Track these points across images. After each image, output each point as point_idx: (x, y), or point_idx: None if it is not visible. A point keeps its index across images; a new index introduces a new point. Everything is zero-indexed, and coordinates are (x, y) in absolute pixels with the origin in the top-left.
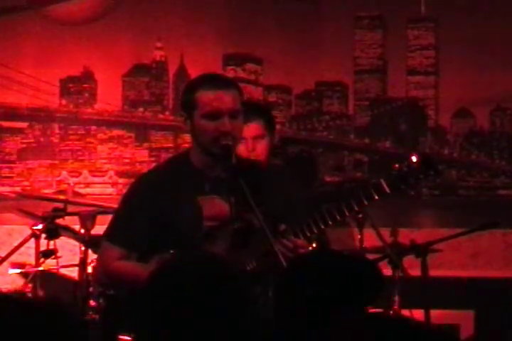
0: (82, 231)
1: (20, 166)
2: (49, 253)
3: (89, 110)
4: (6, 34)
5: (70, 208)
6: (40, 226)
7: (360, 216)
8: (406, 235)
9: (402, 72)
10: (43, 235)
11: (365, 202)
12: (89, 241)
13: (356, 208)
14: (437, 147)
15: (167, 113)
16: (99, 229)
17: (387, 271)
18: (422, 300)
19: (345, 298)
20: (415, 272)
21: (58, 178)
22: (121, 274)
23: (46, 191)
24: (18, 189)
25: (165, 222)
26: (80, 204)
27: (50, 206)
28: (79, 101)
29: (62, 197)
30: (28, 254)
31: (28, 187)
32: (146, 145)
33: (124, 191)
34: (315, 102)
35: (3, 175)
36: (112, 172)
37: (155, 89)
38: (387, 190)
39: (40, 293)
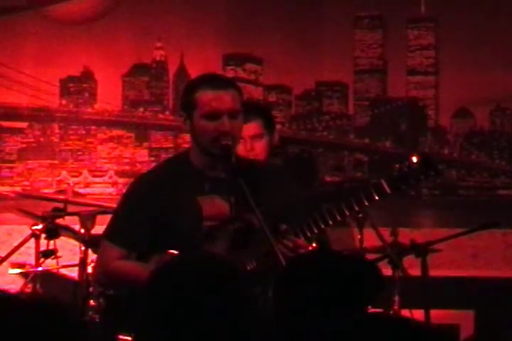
0: (82, 231)
1: (20, 166)
2: (49, 253)
3: (89, 110)
4: (6, 34)
5: (70, 208)
6: (40, 226)
7: (360, 216)
8: (406, 235)
9: (402, 72)
10: (43, 235)
11: (366, 203)
12: (89, 241)
13: (356, 208)
14: (437, 147)
15: (167, 113)
16: (99, 229)
17: (387, 271)
18: (422, 300)
19: (345, 298)
20: (415, 272)
21: (58, 178)
22: (121, 274)
23: (46, 191)
24: (18, 189)
25: (165, 222)
26: (80, 204)
27: (50, 206)
28: (79, 101)
29: (62, 197)
30: (28, 254)
31: (28, 187)
32: (146, 145)
33: (124, 191)
34: (315, 102)
35: (3, 175)
36: (112, 172)
37: (155, 89)
38: (388, 190)
39: (40, 293)
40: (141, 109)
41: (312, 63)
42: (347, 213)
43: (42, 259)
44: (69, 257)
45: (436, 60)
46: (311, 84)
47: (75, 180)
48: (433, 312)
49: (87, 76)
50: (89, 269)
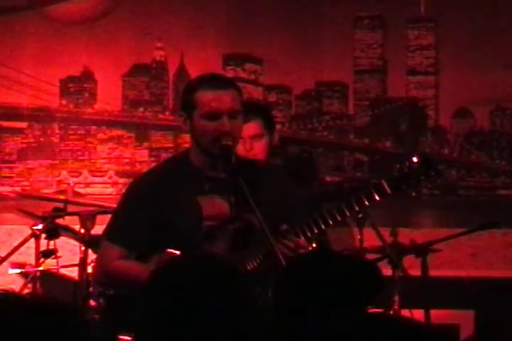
0: (82, 231)
1: (20, 166)
2: (49, 253)
3: (89, 110)
4: (6, 34)
5: (70, 208)
6: (40, 226)
7: (360, 216)
8: (406, 235)
9: (402, 72)
10: (43, 235)
11: (366, 203)
12: (89, 241)
13: (357, 208)
14: (437, 147)
15: (167, 113)
16: (99, 229)
17: (387, 271)
18: (422, 300)
19: (345, 298)
20: (415, 272)
21: (58, 178)
22: (121, 273)
23: (46, 191)
24: (18, 189)
25: (165, 222)
26: (80, 204)
27: (50, 206)
28: (79, 101)
29: (62, 197)
30: (28, 254)
31: (28, 187)
32: (146, 145)
33: (124, 191)
34: (315, 102)
35: (3, 175)
36: (112, 172)
37: (155, 89)
38: (388, 190)
39: (40, 293)
40: (141, 109)
41: (312, 63)
42: (347, 213)
43: (42, 259)
44: (69, 257)
45: (436, 60)
46: (311, 84)
47: (75, 180)
48: (433, 312)
49: (87, 76)
50: (89, 269)
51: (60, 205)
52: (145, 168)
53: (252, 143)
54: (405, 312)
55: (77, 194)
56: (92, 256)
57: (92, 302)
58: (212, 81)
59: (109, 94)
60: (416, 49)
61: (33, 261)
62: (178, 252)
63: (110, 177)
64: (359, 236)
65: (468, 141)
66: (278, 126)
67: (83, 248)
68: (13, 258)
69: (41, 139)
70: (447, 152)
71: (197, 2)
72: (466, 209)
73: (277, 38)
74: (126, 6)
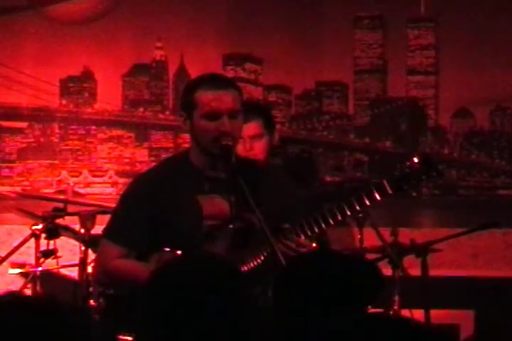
0: (82, 231)
1: (20, 166)
2: (49, 253)
3: (89, 110)
4: (6, 34)
5: (70, 208)
6: (40, 226)
7: (361, 216)
8: (406, 235)
9: (402, 72)
10: (43, 235)
11: (367, 202)
12: (89, 241)
13: (358, 208)
14: (437, 147)
15: (167, 113)
16: (99, 229)
17: (387, 271)
18: (422, 300)
19: (345, 298)
20: (415, 272)
21: (58, 178)
22: (121, 273)
23: (46, 191)
24: (18, 189)
25: (164, 221)
26: (80, 204)
27: (50, 206)
28: (79, 101)
29: (62, 197)
30: (28, 254)
31: (28, 187)
32: (146, 145)
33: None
34: (315, 102)
35: (3, 175)
36: (111, 172)
37: (155, 89)
38: (390, 190)
39: (40, 293)
40: (141, 109)
41: (312, 63)
42: (348, 213)
43: (42, 259)
44: (69, 257)
45: (436, 60)
46: (311, 84)
47: (75, 180)
48: (433, 312)
49: (87, 76)
50: (89, 269)
51: (60, 205)
52: (145, 168)
53: (252, 143)
54: (405, 312)
55: (77, 194)
56: (92, 256)
57: (92, 302)
58: (212, 81)
59: (109, 94)
60: (416, 49)
61: (33, 261)
62: (177, 251)
63: (110, 177)
64: (359, 236)
65: (468, 140)
66: (278, 126)
67: (83, 248)
68: (13, 258)
69: (41, 139)
70: (447, 152)
71: (197, 2)
72: (466, 209)
73: (277, 38)
74: (126, 6)
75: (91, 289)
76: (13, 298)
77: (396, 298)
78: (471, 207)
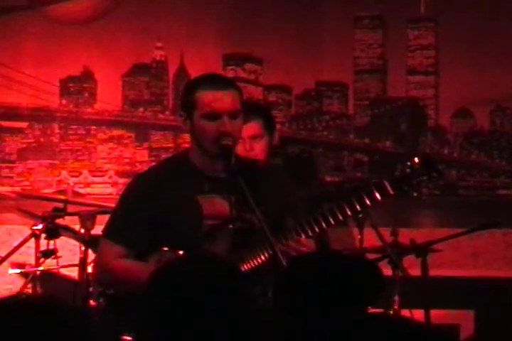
0: (82, 231)
1: (20, 166)
2: (49, 253)
3: (89, 110)
4: (6, 34)
5: (70, 208)
6: (40, 226)
7: (361, 216)
8: (406, 235)
9: (402, 72)
10: (43, 235)
11: (368, 202)
12: (89, 241)
13: (358, 208)
14: (437, 147)
15: (167, 113)
16: (99, 229)
17: (387, 271)
18: (422, 300)
19: (345, 298)
20: (415, 272)
21: (58, 178)
22: (121, 272)
23: (46, 191)
24: (18, 189)
25: (164, 221)
26: (80, 204)
27: (50, 206)
28: (79, 101)
29: (62, 197)
30: (28, 254)
31: (28, 187)
32: (146, 145)
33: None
34: (315, 102)
35: (3, 175)
36: (111, 172)
37: (155, 89)
38: (391, 191)
39: (40, 293)
40: (141, 109)
41: (312, 63)
42: (349, 213)
43: (42, 259)
44: (69, 257)
45: (436, 60)
46: (311, 84)
47: (75, 180)
48: (433, 312)
49: (87, 76)
50: (90, 269)
51: (60, 205)
52: (145, 168)
53: (252, 143)
54: (405, 312)
55: (77, 194)
56: (92, 256)
57: (92, 302)
58: (212, 81)
59: (109, 94)
60: (416, 49)
61: (33, 261)
62: (177, 251)
63: (110, 177)
64: (359, 236)
65: (468, 140)
66: (278, 126)
67: (83, 248)
68: (13, 258)
69: (41, 139)
70: (447, 152)
71: (197, 2)
72: (466, 209)
73: (277, 38)
74: (126, 6)
75: (91, 289)
76: (13, 298)
77: (396, 298)
78: (471, 207)
